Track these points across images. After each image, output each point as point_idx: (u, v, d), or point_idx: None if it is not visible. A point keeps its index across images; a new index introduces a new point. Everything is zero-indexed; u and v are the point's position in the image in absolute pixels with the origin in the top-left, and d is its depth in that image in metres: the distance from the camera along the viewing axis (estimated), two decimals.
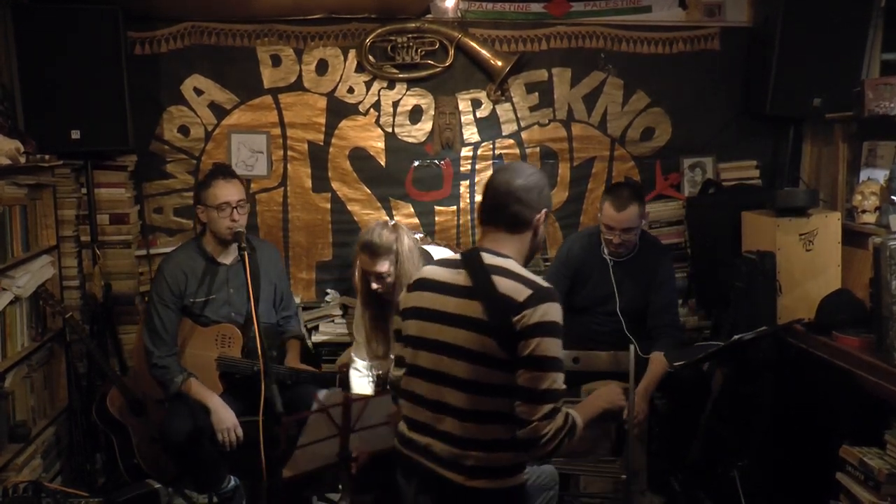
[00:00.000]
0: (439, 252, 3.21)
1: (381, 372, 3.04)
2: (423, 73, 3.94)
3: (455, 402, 2.04)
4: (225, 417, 3.03)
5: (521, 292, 1.98)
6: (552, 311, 1.98)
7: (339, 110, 3.98)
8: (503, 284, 2.00)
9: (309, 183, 4.02)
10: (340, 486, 2.77)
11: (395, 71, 3.94)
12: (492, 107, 4.01)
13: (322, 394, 2.56)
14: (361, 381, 3.10)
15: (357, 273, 3.01)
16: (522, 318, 1.95)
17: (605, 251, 3.44)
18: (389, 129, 4.00)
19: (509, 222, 2.10)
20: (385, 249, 2.80)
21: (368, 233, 2.87)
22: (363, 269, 2.85)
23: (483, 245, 2.13)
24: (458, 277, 2.09)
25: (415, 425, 2.15)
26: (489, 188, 2.15)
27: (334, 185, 4.03)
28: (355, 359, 3.15)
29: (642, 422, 3.14)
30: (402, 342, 2.20)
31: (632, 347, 2.89)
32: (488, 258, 2.08)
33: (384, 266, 2.81)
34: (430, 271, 2.20)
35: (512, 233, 2.11)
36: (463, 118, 4.01)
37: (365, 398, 2.59)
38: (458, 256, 2.19)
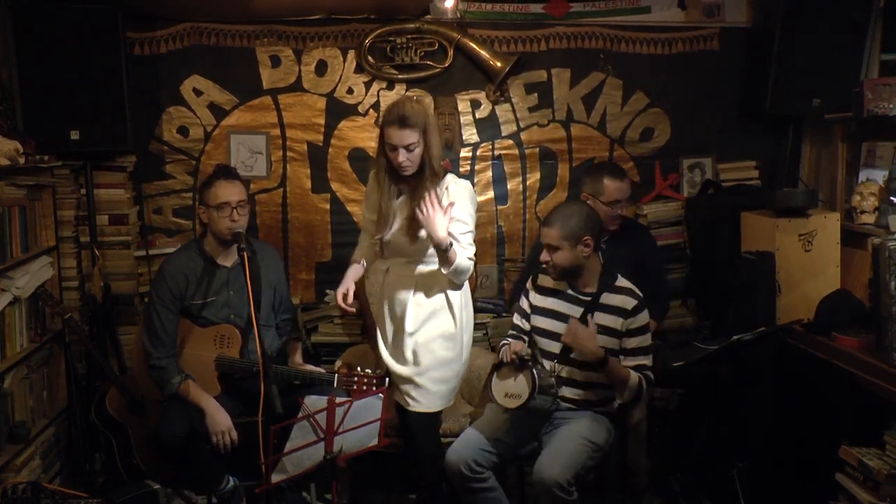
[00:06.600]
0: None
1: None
2: (423, 74, 3.94)
3: None
4: (219, 420, 3.02)
5: None
6: None
7: (338, 111, 3.98)
8: None
9: (308, 183, 4.02)
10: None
11: (394, 71, 3.94)
12: (491, 107, 4.01)
13: (309, 399, 2.56)
14: None
15: (379, 154, 2.96)
16: None
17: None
18: None
19: None
20: (415, 121, 2.82)
21: (397, 107, 2.86)
22: (391, 146, 2.85)
23: None
24: None
25: None
26: None
27: (333, 185, 4.03)
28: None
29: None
30: None
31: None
32: None
33: (414, 137, 2.82)
34: None
35: None
36: (462, 119, 4.01)
37: (349, 401, 2.60)
38: None
